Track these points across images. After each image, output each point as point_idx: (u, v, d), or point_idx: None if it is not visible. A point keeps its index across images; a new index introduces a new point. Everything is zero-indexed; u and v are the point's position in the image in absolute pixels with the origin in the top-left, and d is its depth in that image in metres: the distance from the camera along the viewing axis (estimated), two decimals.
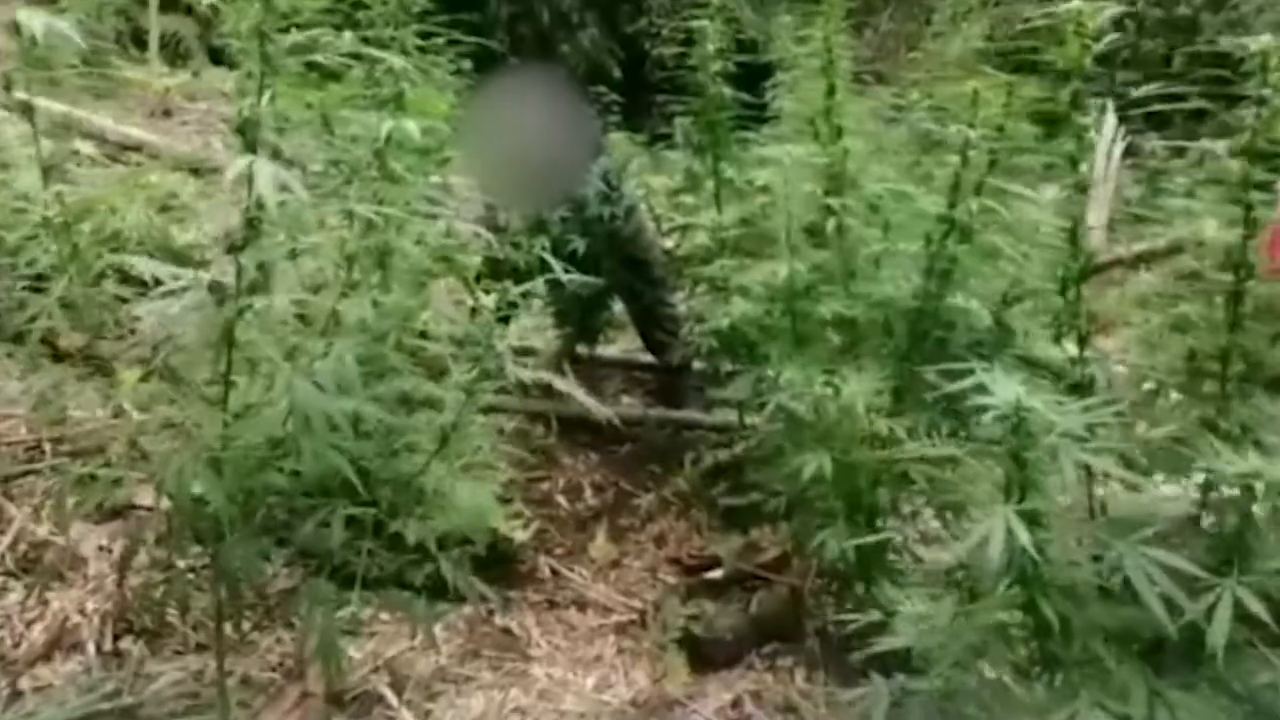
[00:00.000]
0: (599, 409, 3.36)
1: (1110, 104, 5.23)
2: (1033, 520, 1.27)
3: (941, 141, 4.31)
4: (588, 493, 3.49)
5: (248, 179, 1.37)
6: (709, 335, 3.11)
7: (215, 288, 1.48)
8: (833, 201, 2.67)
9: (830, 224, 2.65)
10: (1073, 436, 1.30)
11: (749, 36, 4.86)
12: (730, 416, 3.57)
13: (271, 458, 1.60)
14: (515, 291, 2.21)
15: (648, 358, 4.09)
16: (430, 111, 2.23)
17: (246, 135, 1.44)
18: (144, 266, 1.61)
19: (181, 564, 1.88)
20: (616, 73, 8.72)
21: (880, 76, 4.43)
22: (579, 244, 3.43)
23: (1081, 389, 1.75)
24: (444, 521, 2.01)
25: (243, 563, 1.74)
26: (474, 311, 2.17)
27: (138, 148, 5.15)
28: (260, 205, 1.41)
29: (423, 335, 2.04)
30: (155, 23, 6.65)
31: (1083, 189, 2.17)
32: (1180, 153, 5.88)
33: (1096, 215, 5.03)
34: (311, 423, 1.49)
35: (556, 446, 3.61)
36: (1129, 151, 5.63)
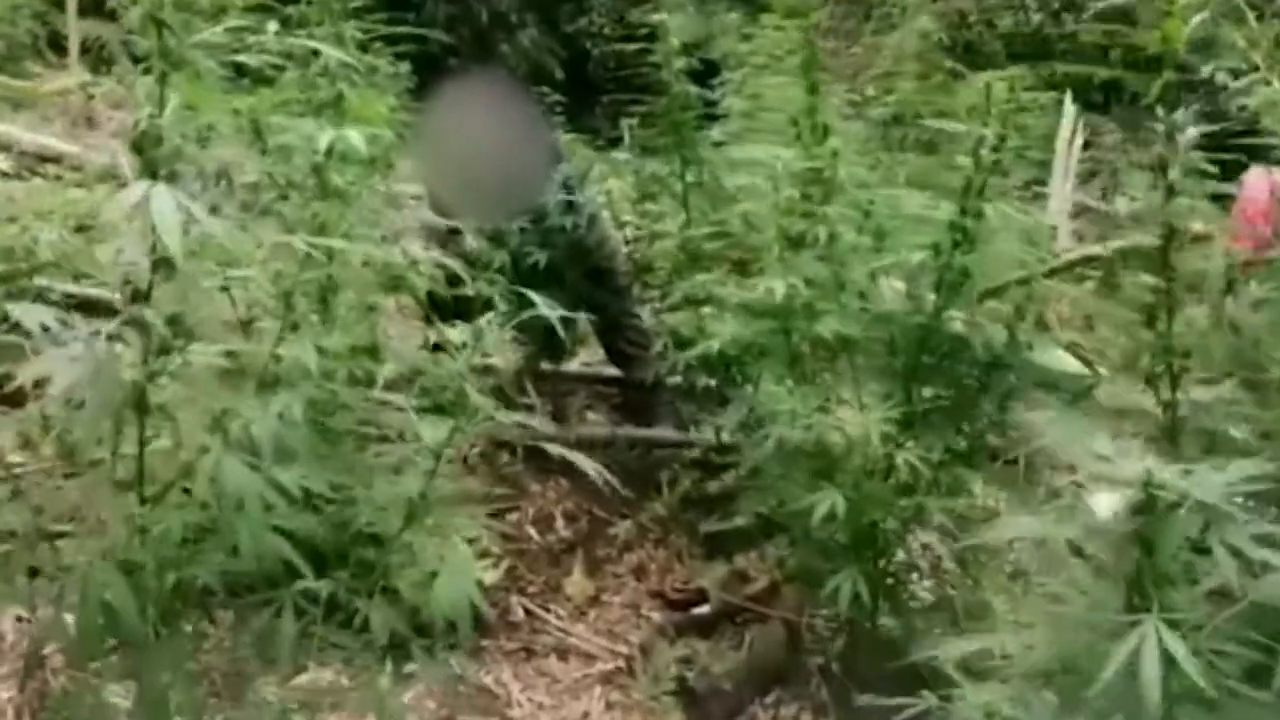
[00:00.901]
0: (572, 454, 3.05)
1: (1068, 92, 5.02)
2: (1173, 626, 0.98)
3: (924, 140, 4.06)
4: (559, 523, 3.16)
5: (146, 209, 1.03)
6: (693, 358, 2.80)
7: (117, 338, 1.14)
8: (824, 209, 2.37)
9: (820, 233, 2.35)
10: (1218, 512, 1.01)
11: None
12: (705, 434, 3.28)
13: (198, 551, 1.26)
14: (485, 320, 1.90)
15: (612, 371, 3.77)
16: (372, 117, 1.89)
17: (145, 152, 1.10)
18: (31, 315, 1.25)
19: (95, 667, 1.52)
20: (559, 73, 8.35)
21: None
22: (539, 256, 3.10)
23: (1172, 436, 1.47)
24: (417, 598, 1.68)
25: (171, 668, 1.39)
26: (436, 347, 1.84)
27: (56, 159, 4.69)
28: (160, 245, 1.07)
29: (372, 383, 1.70)
30: (74, 27, 6.14)
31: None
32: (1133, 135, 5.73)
33: (1060, 208, 4.82)
34: (245, 505, 1.16)
35: (523, 473, 3.27)
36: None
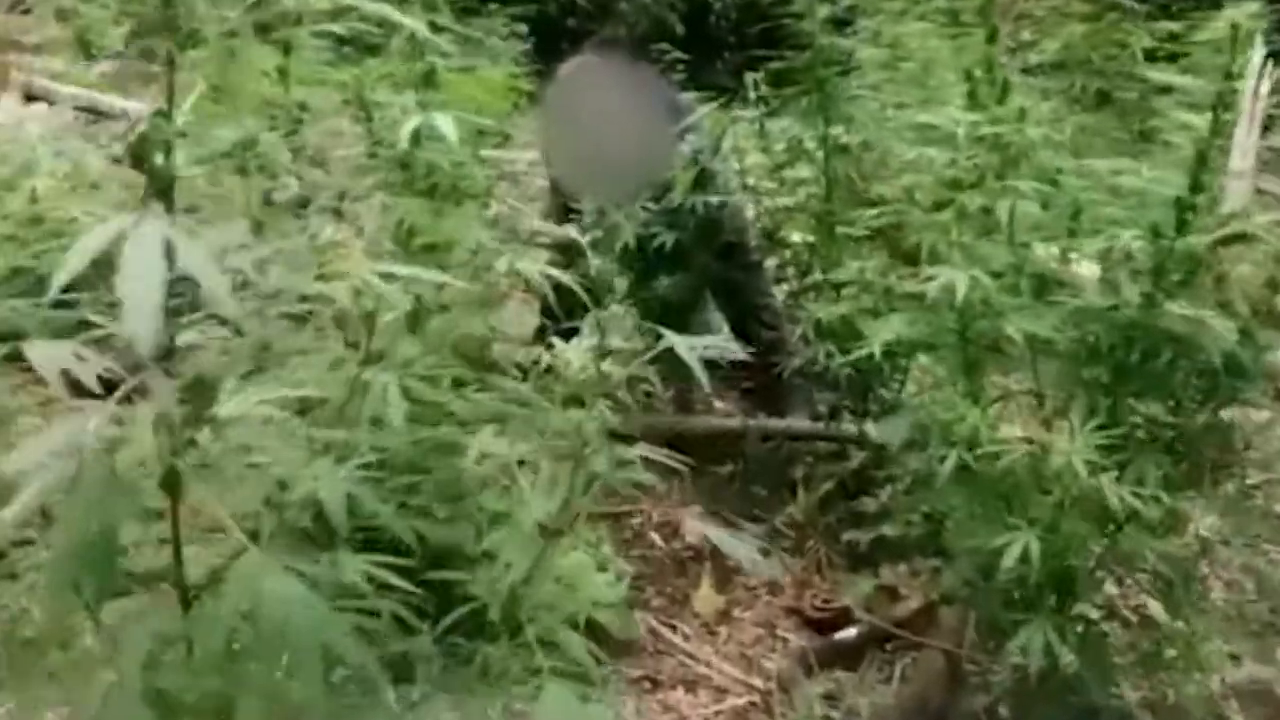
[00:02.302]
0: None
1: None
2: None
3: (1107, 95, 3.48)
4: (685, 526, 2.82)
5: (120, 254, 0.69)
6: (835, 349, 2.40)
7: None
8: (1008, 181, 1.93)
9: (1003, 210, 1.91)
10: None
11: None
12: (847, 427, 2.87)
13: (242, 673, 0.95)
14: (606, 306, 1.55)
15: (738, 353, 3.38)
16: (474, 92, 1.53)
17: (147, 164, 0.76)
18: (48, 356, 0.95)
19: None
20: (679, 28, 7.87)
21: (955, 15, 3.58)
22: (666, 236, 2.73)
23: None
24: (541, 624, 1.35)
25: None
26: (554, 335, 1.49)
27: None
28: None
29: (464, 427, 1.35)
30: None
31: None
32: None
33: (1244, 165, 4.16)
34: (293, 640, 0.84)
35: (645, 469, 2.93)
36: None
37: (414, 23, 1.44)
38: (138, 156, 0.77)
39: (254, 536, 0.99)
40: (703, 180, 2.80)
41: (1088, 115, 3.78)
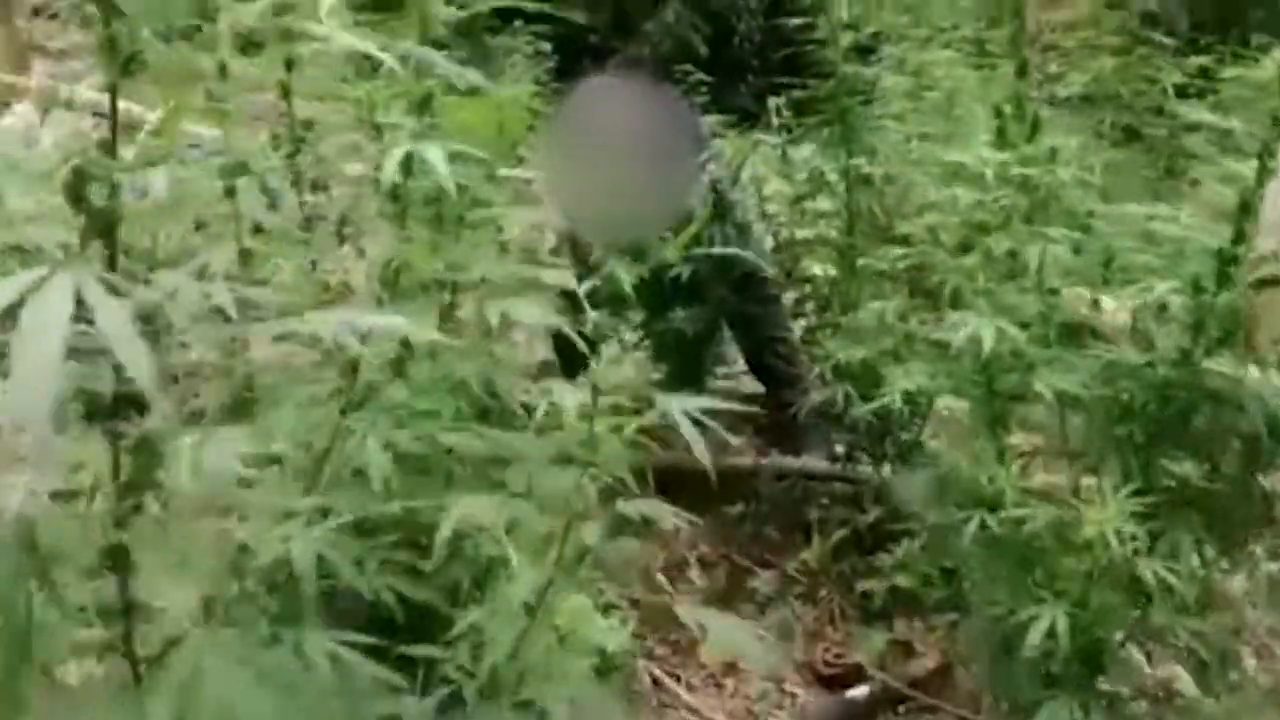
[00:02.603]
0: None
1: None
2: None
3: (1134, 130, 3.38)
4: (693, 570, 2.71)
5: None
6: (849, 390, 2.30)
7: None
8: (1037, 226, 1.83)
9: (1033, 256, 1.81)
10: None
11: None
12: (862, 468, 2.77)
13: None
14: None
15: (750, 385, 3.28)
16: (474, 119, 1.44)
17: (82, 201, 0.66)
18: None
19: None
20: (703, 50, 7.81)
21: (981, 46, 3.49)
22: (682, 269, 2.64)
23: None
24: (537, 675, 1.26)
25: None
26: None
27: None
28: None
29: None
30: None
31: None
32: None
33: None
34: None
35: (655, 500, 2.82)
36: None
37: (412, 47, 1.36)
38: (75, 195, 0.69)
39: (210, 608, 0.91)
40: (721, 210, 2.71)
41: (1116, 151, 3.67)
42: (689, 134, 2.82)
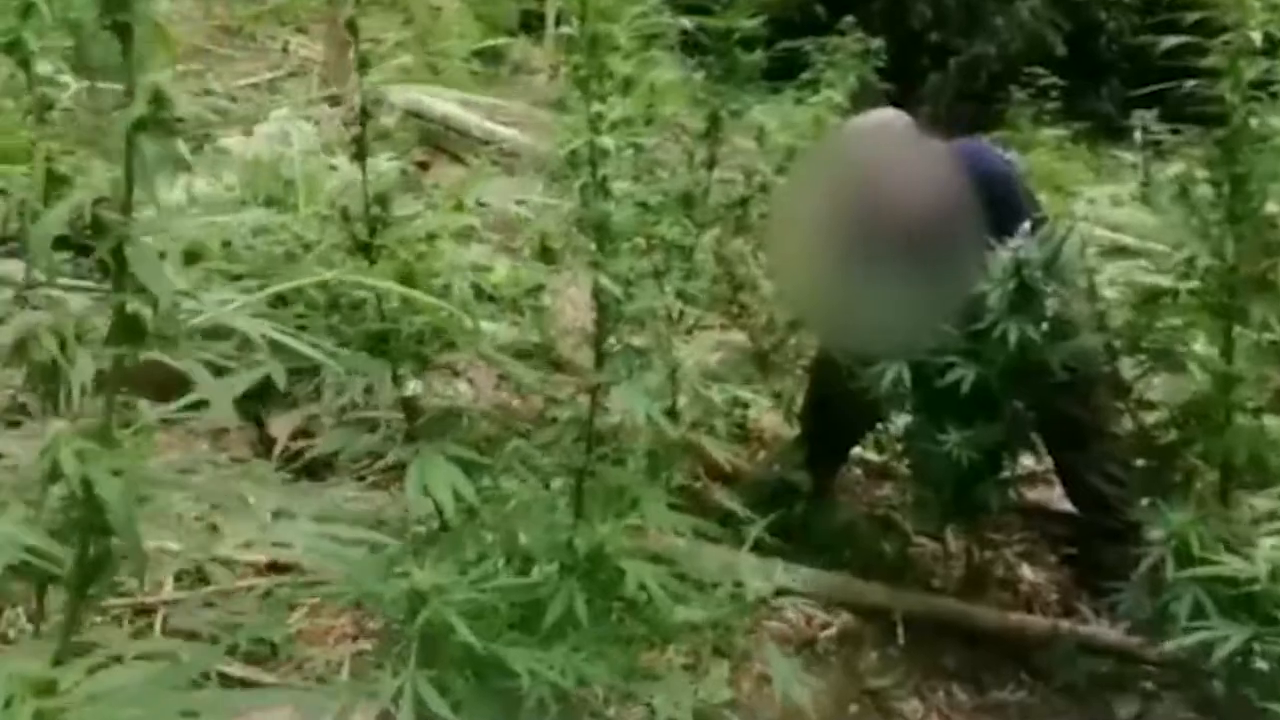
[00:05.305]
0: None
1: None
2: None
3: None
4: None
5: None
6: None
7: None
8: None
9: None
10: None
11: None
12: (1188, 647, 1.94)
13: None
14: None
15: (1059, 502, 2.55)
16: None
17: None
18: None
19: None
20: (1060, 49, 6.93)
21: None
22: (966, 372, 2.04)
23: None
24: None
25: None
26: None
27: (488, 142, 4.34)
28: None
29: None
30: (552, 5, 5.94)
31: None
32: None
33: None
34: None
35: (904, 667, 2.15)
36: None
37: None
38: None
39: None
40: (1023, 299, 2.04)
41: None
42: (994, 200, 2.18)
